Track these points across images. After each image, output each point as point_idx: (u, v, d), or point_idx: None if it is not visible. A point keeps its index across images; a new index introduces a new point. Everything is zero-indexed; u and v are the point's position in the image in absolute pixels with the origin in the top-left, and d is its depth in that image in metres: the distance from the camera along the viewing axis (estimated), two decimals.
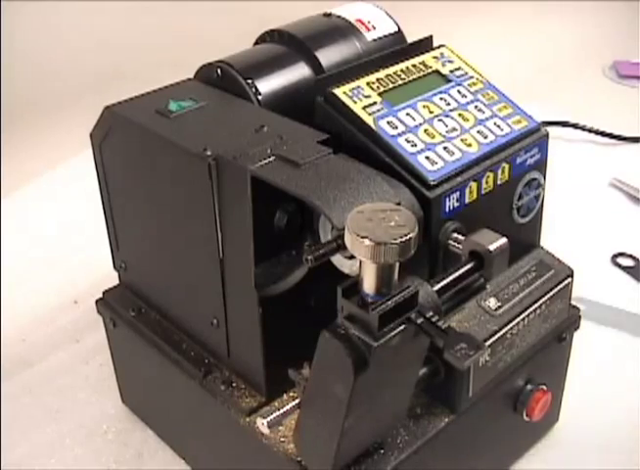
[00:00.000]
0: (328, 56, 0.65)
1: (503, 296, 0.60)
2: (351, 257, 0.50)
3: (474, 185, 0.57)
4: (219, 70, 0.63)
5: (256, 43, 0.69)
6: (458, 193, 0.56)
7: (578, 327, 0.67)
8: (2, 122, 1.20)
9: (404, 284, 0.44)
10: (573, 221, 1.00)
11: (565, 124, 1.23)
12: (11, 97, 1.23)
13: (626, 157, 1.18)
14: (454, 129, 0.59)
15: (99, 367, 0.81)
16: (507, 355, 0.59)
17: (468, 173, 0.56)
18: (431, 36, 0.65)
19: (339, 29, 0.67)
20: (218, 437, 0.63)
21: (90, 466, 0.71)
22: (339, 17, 0.68)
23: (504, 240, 0.51)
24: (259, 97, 0.61)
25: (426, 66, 0.63)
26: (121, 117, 0.61)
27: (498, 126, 0.60)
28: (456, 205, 0.56)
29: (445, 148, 0.57)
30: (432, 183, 0.54)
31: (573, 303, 0.66)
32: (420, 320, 0.44)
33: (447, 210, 0.55)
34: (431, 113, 0.59)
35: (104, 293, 0.72)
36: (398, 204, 0.48)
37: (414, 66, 0.62)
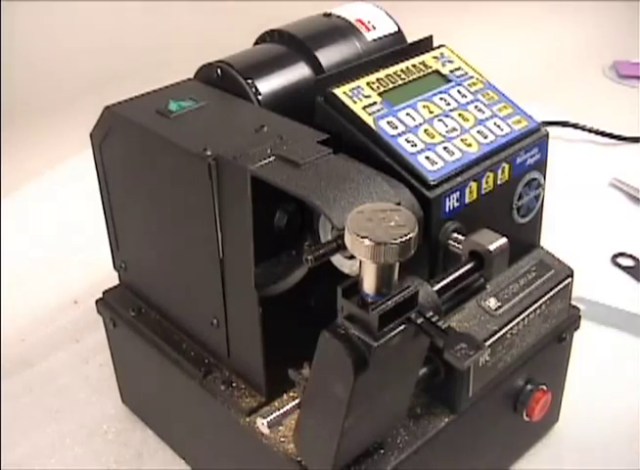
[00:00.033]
0: (328, 56, 0.65)
1: (503, 296, 0.60)
2: (351, 257, 0.50)
3: (474, 185, 0.57)
4: (219, 70, 0.63)
5: (256, 43, 0.69)
6: (458, 193, 0.56)
7: (578, 327, 0.67)
8: (2, 122, 1.20)
9: (404, 284, 0.44)
10: (573, 221, 1.00)
11: (565, 124, 1.23)
12: (11, 97, 1.23)
13: (626, 157, 1.18)
14: (454, 129, 0.59)
15: (99, 367, 0.81)
16: (507, 355, 0.59)
17: (468, 173, 0.56)
18: (431, 36, 0.65)
19: (339, 29, 0.67)
20: (218, 437, 0.63)
21: (90, 466, 0.71)
22: (339, 17, 0.68)
23: (504, 240, 0.51)
24: (259, 97, 0.61)
25: (426, 66, 0.63)
26: (121, 117, 0.61)
27: (498, 126, 0.60)
28: (456, 205, 0.56)
29: (445, 148, 0.57)
30: (432, 183, 0.54)
31: (573, 303, 0.66)
32: (420, 320, 0.44)
33: (447, 210, 0.55)
34: (431, 113, 0.59)
35: (104, 293, 0.72)
36: (398, 204, 0.48)
37: (414, 66, 0.62)
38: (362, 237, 0.41)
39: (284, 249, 0.57)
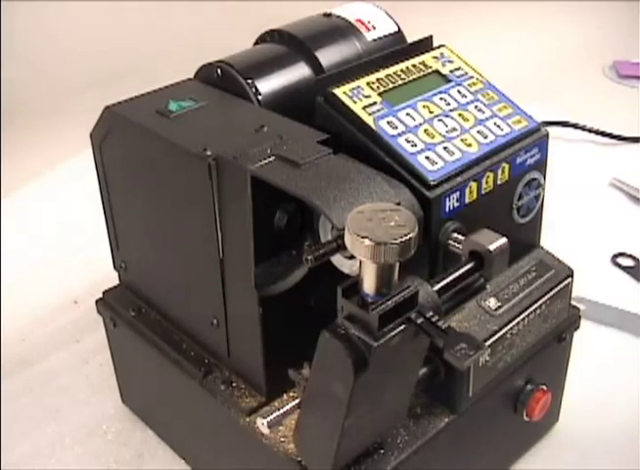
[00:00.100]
0: (328, 56, 0.65)
1: (503, 296, 0.60)
2: (351, 257, 0.50)
3: (474, 185, 0.57)
4: (219, 70, 0.63)
5: (256, 43, 0.69)
6: (458, 193, 0.56)
7: (578, 327, 0.67)
8: (2, 122, 1.20)
9: (404, 284, 0.44)
10: (573, 221, 1.00)
11: (565, 124, 1.23)
12: (11, 97, 1.23)
13: (626, 157, 1.18)
14: (454, 129, 0.59)
15: (99, 367, 0.81)
16: (507, 355, 0.59)
17: (468, 173, 0.56)
18: (431, 36, 0.65)
19: (339, 29, 0.67)
20: (218, 437, 0.63)
21: (90, 466, 0.71)
22: (339, 17, 0.68)
23: (504, 240, 0.51)
24: (259, 97, 0.61)
25: (426, 66, 0.63)
26: (121, 117, 0.61)
27: (498, 126, 0.60)
28: (456, 205, 0.56)
29: (445, 148, 0.57)
30: (432, 183, 0.54)
31: (573, 303, 0.66)
32: (420, 320, 0.44)
33: (447, 210, 0.55)
34: (431, 113, 0.59)
35: (104, 293, 0.72)
36: (398, 204, 0.48)
37: (414, 66, 0.62)
38: (362, 237, 0.41)
39: (284, 249, 0.57)
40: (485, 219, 0.55)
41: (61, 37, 1.34)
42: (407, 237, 0.41)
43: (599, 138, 1.22)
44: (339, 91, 0.58)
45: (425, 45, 0.65)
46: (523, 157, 0.60)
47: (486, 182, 0.58)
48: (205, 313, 0.60)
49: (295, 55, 0.65)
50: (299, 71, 0.64)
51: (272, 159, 0.52)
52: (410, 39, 0.67)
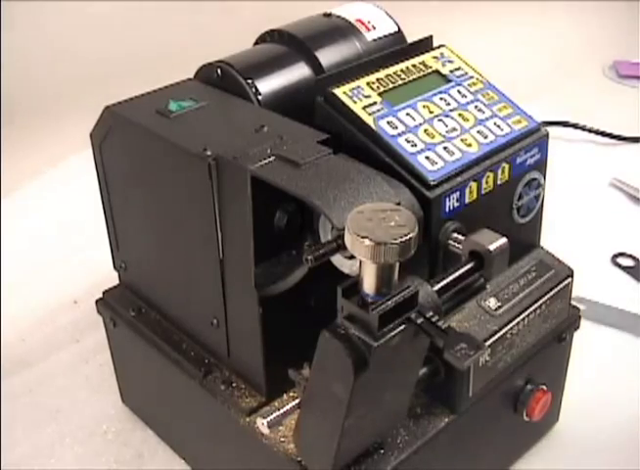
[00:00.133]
0: (328, 56, 0.65)
1: (503, 296, 0.60)
2: (351, 257, 0.50)
3: (474, 185, 0.57)
4: (219, 70, 0.63)
5: (256, 43, 0.69)
6: (458, 193, 0.56)
7: (578, 327, 0.67)
8: (2, 121, 1.20)
9: (404, 284, 0.44)
10: (573, 221, 1.00)
11: (565, 124, 1.23)
12: (11, 96, 1.23)
13: (626, 157, 1.18)
14: (454, 129, 0.59)
15: (99, 367, 0.81)
16: (507, 355, 0.59)
17: (468, 173, 0.56)
18: (431, 36, 0.65)
19: (339, 29, 0.67)
20: (218, 437, 0.63)
21: (90, 466, 0.71)
22: (339, 17, 0.68)
23: (504, 240, 0.51)
24: (259, 97, 0.61)
25: (426, 66, 0.63)
26: (121, 117, 0.61)
27: (498, 126, 0.60)
28: (456, 205, 0.56)
29: (445, 148, 0.57)
30: (432, 183, 0.54)
31: (573, 303, 0.66)
32: (420, 320, 0.44)
33: (447, 210, 0.55)
34: (431, 113, 0.59)
35: (104, 293, 0.72)
36: (398, 204, 0.48)
37: (414, 66, 0.62)
38: (362, 237, 0.41)
39: (284, 249, 0.57)
40: (485, 219, 0.55)
41: (61, 37, 1.34)
42: (407, 237, 0.41)
43: (599, 138, 1.22)
44: (339, 91, 0.58)
45: (425, 45, 0.65)
46: (523, 157, 0.60)
47: (486, 182, 0.58)
48: (206, 313, 0.60)
49: (295, 55, 0.65)
50: (299, 71, 0.64)
51: (272, 159, 0.52)
52: (410, 39, 0.67)
